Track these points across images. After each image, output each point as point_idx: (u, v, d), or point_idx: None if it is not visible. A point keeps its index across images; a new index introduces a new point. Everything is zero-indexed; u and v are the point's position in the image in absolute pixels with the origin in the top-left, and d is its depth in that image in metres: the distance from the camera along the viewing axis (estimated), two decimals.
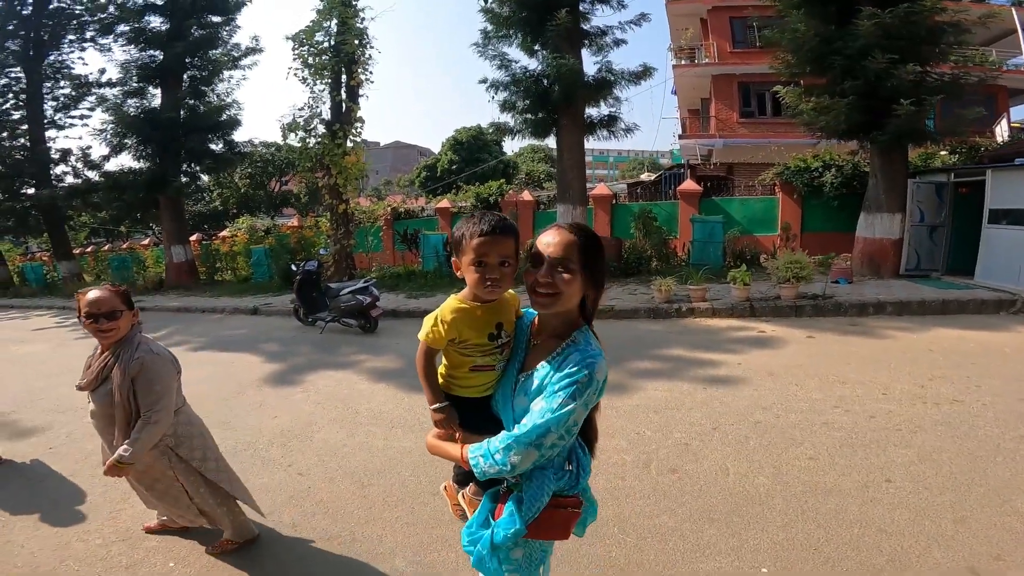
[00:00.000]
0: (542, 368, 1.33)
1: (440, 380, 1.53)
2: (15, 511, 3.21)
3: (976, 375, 4.77)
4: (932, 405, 4.16)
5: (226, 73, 16.29)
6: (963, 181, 9.24)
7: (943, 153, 11.36)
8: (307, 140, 11.61)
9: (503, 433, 1.32)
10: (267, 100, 27.68)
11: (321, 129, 11.54)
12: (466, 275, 1.39)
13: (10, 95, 19.40)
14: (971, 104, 9.07)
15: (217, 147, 16.52)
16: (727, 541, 2.53)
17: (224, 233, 18.62)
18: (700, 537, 2.57)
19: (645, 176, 25.35)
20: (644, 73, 10.08)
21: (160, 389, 2.33)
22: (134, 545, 2.79)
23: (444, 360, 1.52)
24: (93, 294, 2.30)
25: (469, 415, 1.49)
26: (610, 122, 10.67)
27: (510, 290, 1.48)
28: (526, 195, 14.22)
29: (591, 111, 10.68)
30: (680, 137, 18.56)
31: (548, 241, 1.31)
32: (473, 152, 32.47)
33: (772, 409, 4.13)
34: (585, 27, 10.34)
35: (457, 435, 1.45)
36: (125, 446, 2.28)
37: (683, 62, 17.42)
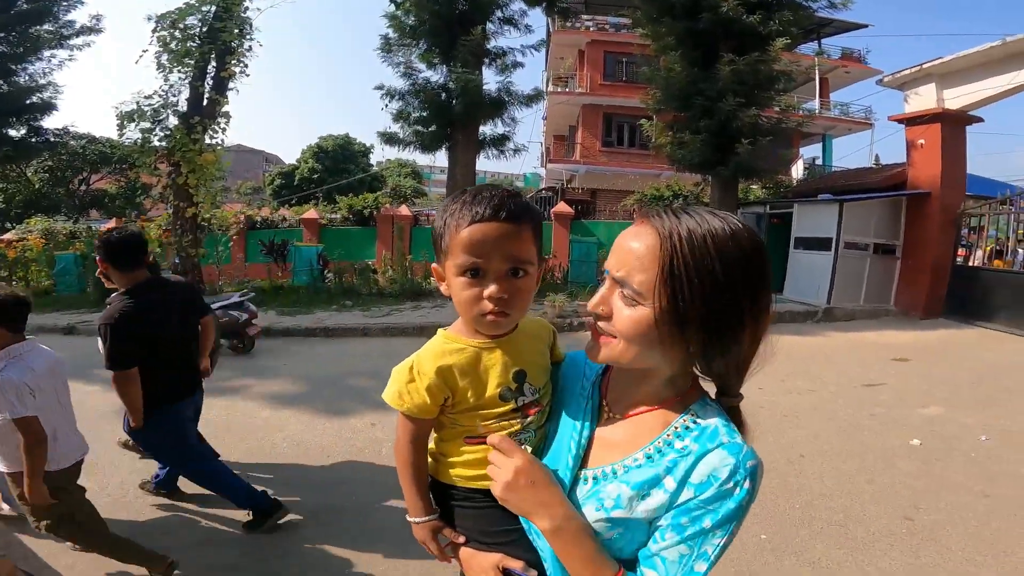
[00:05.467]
0: (638, 469, 0.79)
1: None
2: None
3: (815, 370, 5.92)
4: (798, 395, 5.06)
5: (47, 52, 13.72)
6: (775, 212, 11.41)
7: (754, 188, 13.91)
8: (152, 132, 9.92)
9: None
10: (95, 85, 23.15)
11: (174, 121, 9.97)
12: (452, 292, 0.87)
13: None
14: (778, 145, 11.26)
15: (18, 132, 13.57)
16: None
17: (8, 236, 14.99)
18: None
19: None
20: (536, 96, 10.69)
21: None
22: None
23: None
24: None
25: (488, 514, 0.92)
26: (501, 141, 11.04)
27: (536, 317, 1.01)
28: (404, 209, 13.87)
29: (484, 129, 10.95)
30: (549, 161, 19.87)
31: (616, 244, 0.80)
32: (339, 162, 30.65)
33: None
34: (488, 46, 10.63)
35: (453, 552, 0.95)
36: None
37: (558, 89, 18.76)
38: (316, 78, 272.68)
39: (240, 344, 6.98)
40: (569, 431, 0.88)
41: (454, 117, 10.10)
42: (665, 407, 0.82)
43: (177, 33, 9.72)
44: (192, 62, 9.86)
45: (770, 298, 0.78)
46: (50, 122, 14.66)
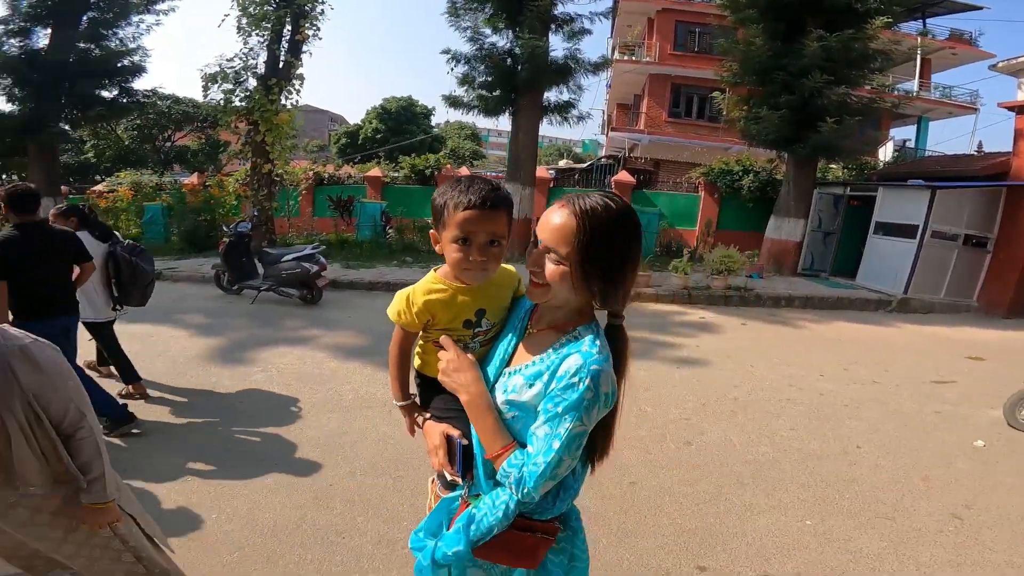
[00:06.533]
0: (533, 365, 1.12)
1: (416, 359, 1.38)
2: None
3: (881, 361, 5.67)
4: (860, 385, 4.90)
5: (135, 17, 14.32)
6: (855, 195, 10.71)
7: (832, 167, 13.05)
8: (233, 93, 10.45)
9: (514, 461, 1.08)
10: (178, 49, 24.39)
11: (253, 83, 10.46)
12: (446, 253, 1.20)
13: None
14: (866, 126, 10.48)
15: (111, 94, 14.49)
16: (766, 500, 2.87)
17: (100, 188, 16.19)
18: (742, 499, 2.88)
19: (564, 163, 26.13)
20: (603, 64, 10.40)
21: (74, 385, 1.61)
22: None
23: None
24: None
25: (448, 397, 1.26)
26: (566, 108, 10.87)
27: (509, 267, 1.31)
28: (464, 171, 13.99)
29: (548, 95, 10.81)
30: (611, 129, 19.35)
31: (544, 220, 1.09)
32: (401, 123, 31.11)
33: (742, 387, 4.61)
34: (555, 12, 10.39)
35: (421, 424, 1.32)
36: (88, 486, 1.60)
37: (624, 57, 18.11)
38: (380, 41, 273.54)
39: (309, 295, 7.39)
40: (503, 342, 1.24)
41: (519, 83, 10.02)
42: (565, 327, 1.13)
43: None
44: (269, 26, 10.20)
45: (641, 246, 1.11)
46: (139, 83, 15.39)
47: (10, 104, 13.71)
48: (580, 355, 1.03)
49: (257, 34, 10.32)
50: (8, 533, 1.64)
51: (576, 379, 1.01)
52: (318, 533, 2.49)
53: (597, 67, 10.53)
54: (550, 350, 1.11)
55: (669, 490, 2.93)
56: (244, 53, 10.44)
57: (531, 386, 1.09)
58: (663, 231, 12.04)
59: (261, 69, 10.59)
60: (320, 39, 10.80)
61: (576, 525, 1.26)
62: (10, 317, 3.01)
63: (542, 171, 13.61)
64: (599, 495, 2.82)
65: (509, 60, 10.27)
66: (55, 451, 1.54)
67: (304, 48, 10.76)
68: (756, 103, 9.75)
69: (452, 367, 1.20)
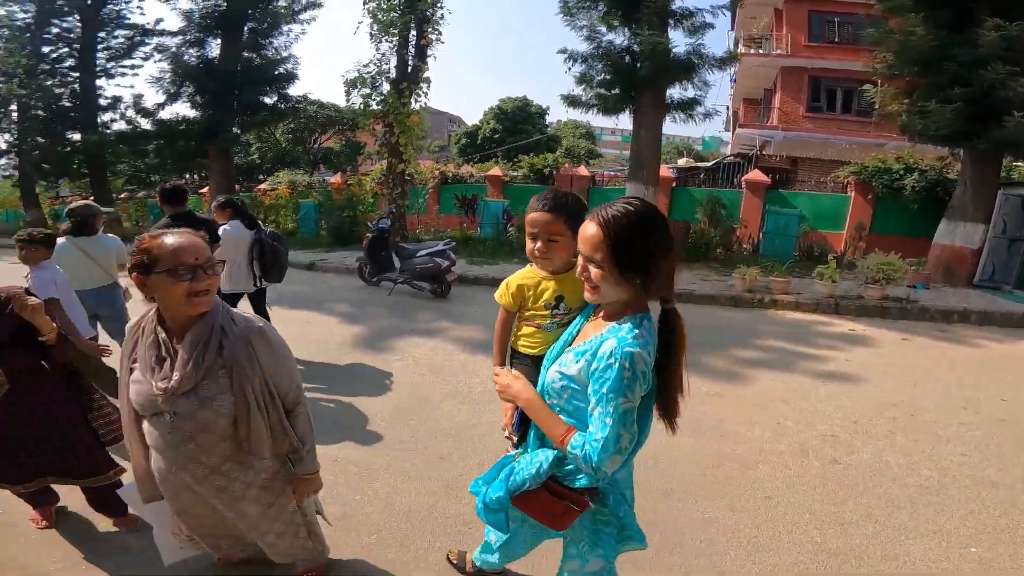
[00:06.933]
0: (582, 346, 1.32)
1: (512, 337, 1.79)
2: None
3: None
4: None
5: (285, 27, 16.18)
6: None
7: (1019, 165, 11.01)
8: (371, 97, 11.40)
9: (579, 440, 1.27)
10: (318, 57, 27.24)
11: (386, 87, 11.34)
12: (526, 245, 1.63)
13: (62, 44, 19.26)
14: None
15: (271, 100, 16.54)
16: (924, 525, 2.62)
17: (263, 186, 18.56)
18: (895, 522, 2.65)
19: (683, 162, 24.89)
20: (730, 59, 9.87)
21: (294, 363, 1.76)
22: None
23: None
24: (180, 239, 1.53)
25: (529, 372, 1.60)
26: (690, 105, 10.44)
27: None
28: (582, 170, 13.97)
29: (671, 92, 10.45)
30: (739, 125, 18.13)
31: (581, 234, 1.29)
32: (516, 123, 32.00)
33: (903, 406, 4.13)
34: (673, 7, 10.07)
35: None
36: (301, 457, 1.76)
37: (750, 51, 16.96)
38: (497, 44, 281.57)
39: (439, 289, 7.82)
40: (572, 327, 1.49)
41: (639, 80, 9.76)
42: (615, 316, 1.30)
43: (383, 4, 10.77)
44: (396, 31, 10.87)
45: (670, 237, 1.26)
46: (293, 90, 17.20)
47: (193, 111, 16.13)
48: (616, 340, 1.21)
49: (387, 40, 11.05)
50: (212, 511, 1.75)
51: (612, 360, 1.19)
52: (447, 521, 2.59)
53: (723, 62, 9.97)
54: (597, 335, 1.30)
55: (809, 507, 2.76)
56: (377, 59, 11.26)
57: (577, 362, 1.30)
58: (804, 234, 10.98)
59: (393, 73, 11.35)
60: (442, 43, 11.38)
61: (616, 502, 1.43)
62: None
63: (665, 171, 13.16)
64: (729, 507, 2.75)
65: (627, 58, 10.03)
66: (280, 424, 1.68)
67: (428, 52, 11.41)
68: (920, 96, 8.60)
69: (505, 384, 1.47)
